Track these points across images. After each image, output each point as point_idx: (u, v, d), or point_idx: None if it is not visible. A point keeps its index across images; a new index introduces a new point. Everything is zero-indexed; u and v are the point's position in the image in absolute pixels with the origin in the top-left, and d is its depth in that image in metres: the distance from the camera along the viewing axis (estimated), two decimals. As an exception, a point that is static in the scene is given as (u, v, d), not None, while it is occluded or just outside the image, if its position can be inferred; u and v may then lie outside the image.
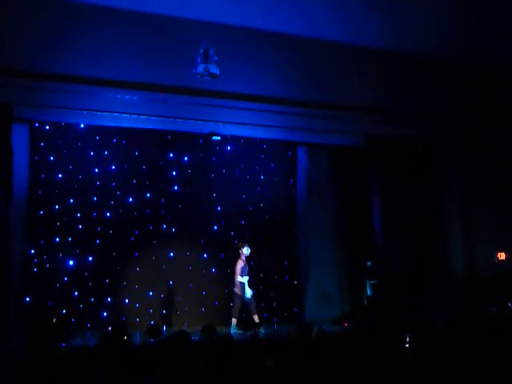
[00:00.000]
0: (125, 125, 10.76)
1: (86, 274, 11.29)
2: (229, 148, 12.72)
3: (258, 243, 11.85)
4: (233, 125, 11.25)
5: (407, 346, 5.48)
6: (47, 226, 11.10)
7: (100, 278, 11.36)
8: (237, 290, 10.96)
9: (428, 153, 12.48)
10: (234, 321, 10.89)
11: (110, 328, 10.33)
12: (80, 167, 11.49)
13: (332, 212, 13.13)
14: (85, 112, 10.23)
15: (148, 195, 12.05)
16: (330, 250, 13.01)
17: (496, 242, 12.33)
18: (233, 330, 10.63)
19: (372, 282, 12.58)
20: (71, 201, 11.36)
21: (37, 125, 10.91)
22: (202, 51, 9.52)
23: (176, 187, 12.31)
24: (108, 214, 11.65)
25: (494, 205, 12.54)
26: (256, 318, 10.86)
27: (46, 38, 9.55)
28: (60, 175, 11.33)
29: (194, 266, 12.14)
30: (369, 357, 5.03)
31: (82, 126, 11.24)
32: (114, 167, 11.82)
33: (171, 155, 12.35)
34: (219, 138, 11.56)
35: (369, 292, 12.67)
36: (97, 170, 11.66)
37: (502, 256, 12.30)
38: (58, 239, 11.17)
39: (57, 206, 11.25)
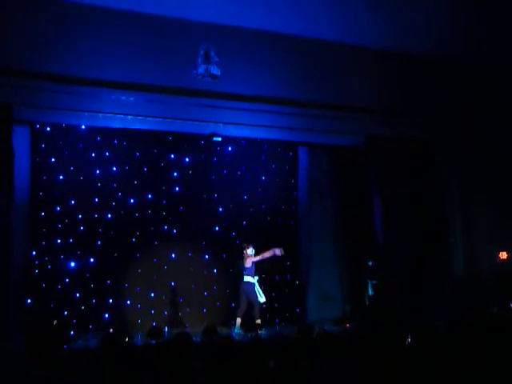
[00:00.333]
0: (126, 126, 10.77)
1: (88, 275, 11.27)
2: (230, 149, 12.72)
3: (260, 244, 11.83)
4: (234, 125, 11.26)
5: (408, 346, 5.48)
6: (48, 228, 11.09)
7: (101, 279, 11.34)
8: (245, 289, 11.04)
9: (428, 153, 12.49)
10: (238, 320, 10.92)
11: (111, 329, 10.34)
12: (81, 168, 11.48)
13: (333, 212, 13.13)
14: (86, 113, 10.25)
15: (149, 196, 12.04)
16: (331, 250, 13.02)
17: (497, 241, 12.33)
18: (236, 330, 10.67)
19: (373, 281, 12.59)
20: (72, 202, 11.35)
21: (38, 126, 10.89)
22: (202, 52, 9.56)
23: (177, 188, 12.31)
24: (109, 216, 11.65)
25: (495, 204, 12.54)
26: (258, 321, 10.88)
27: (46, 38, 9.57)
28: (61, 176, 11.32)
29: (195, 267, 12.13)
30: (370, 357, 5.03)
31: (83, 127, 11.21)
32: (115, 168, 11.81)
33: (172, 156, 12.35)
34: (220, 138, 11.57)
35: (370, 292, 12.68)
36: (98, 172, 11.65)
37: (503, 256, 12.30)
38: (59, 240, 11.16)
39: (58, 208, 11.24)
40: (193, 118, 10.84)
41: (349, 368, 4.92)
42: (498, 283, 11.59)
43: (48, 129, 11.16)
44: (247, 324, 10.68)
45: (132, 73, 10.00)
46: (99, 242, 11.48)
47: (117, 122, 10.60)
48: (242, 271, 11.25)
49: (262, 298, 11.10)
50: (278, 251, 11.26)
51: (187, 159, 12.45)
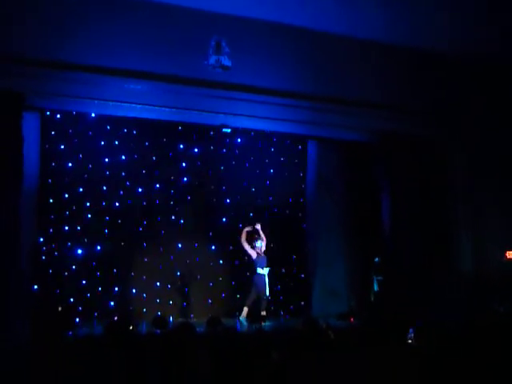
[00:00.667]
0: (136, 115, 10.79)
1: (94, 263, 11.34)
2: (239, 140, 12.72)
3: (267, 236, 11.83)
4: (243, 117, 11.21)
5: (412, 341, 5.48)
6: (56, 215, 11.15)
7: (108, 267, 11.40)
8: (255, 281, 11.15)
9: (438, 150, 12.40)
10: (245, 309, 11.00)
11: (115, 317, 10.38)
12: (90, 156, 11.52)
13: (341, 207, 13.09)
14: (96, 101, 10.22)
15: (157, 186, 12.07)
16: (338, 245, 12.97)
17: (506, 241, 12.27)
18: (241, 319, 10.73)
19: (379, 278, 12.56)
20: (81, 190, 11.40)
21: (48, 113, 10.92)
22: (213, 43, 9.49)
23: (185, 179, 12.33)
24: (117, 204, 11.69)
25: (505, 203, 12.47)
26: (263, 313, 10.92)
27: (59, 27, 9.53)
28: (70, 164, 11.36)
29: (201, 258, 12.17)
30: (374, 352, 5.03)
31: (93, 115, 11.24)
32: (124, 157, 11.84)
33: (181, 146, 12.37)
34: (229, 130, 11.53)
35: (376, 288, 12.66)
36: (107, 160, 11.68)
37: (511, 255, 12.25)
38: (66, 228, 11.22)
39: (66, 195, 11.29)
40: (203, 109, 10.80)
41: (353, 362, 4.92)
42: (506, 282, 11.55)
43: (58, 116, 11.19)
44: (252, 315, 10.72)
45: (143, 62, 9.97)
46: (106, 231, 11.54)
47: (127, 111, 10.58)
48: (254, 263, 11.35)
49: (268, 292, 11.17)
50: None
51: (196, 150, 12.46)
